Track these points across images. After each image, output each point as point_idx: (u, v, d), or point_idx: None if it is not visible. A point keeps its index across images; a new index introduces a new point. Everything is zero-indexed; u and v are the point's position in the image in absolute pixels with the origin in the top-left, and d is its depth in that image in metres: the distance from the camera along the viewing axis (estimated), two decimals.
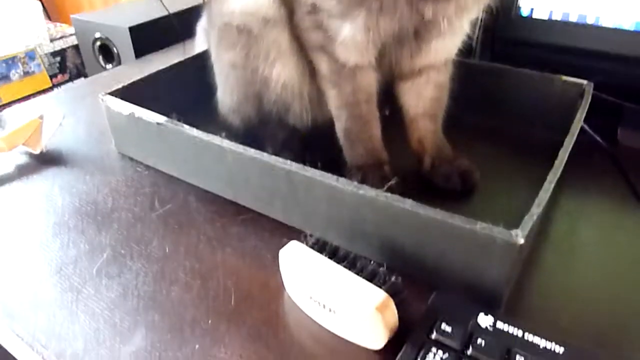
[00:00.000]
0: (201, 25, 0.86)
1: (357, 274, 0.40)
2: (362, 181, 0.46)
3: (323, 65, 0.56)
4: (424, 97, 0.60)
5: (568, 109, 0.63)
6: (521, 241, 0.38)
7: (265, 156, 0.50)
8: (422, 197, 0.43)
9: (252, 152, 0.51)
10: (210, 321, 0.43)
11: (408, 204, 0.42)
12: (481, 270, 0.41)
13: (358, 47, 0.52)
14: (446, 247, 0.42)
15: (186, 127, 0.56)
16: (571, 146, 0.51)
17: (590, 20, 0.70)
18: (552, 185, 0.44)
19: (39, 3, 1.80)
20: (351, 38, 0.51)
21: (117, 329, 0.43)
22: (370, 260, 0.42)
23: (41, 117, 0.69)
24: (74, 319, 0.44)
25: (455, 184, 0.57)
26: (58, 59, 1.70)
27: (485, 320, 0.38)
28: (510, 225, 0.40)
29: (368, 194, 0.44)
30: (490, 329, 0.37)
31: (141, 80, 0.68)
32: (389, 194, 0.43)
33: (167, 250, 0.51)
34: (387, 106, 0.67)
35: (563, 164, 0.48)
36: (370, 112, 0.57)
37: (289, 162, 0.49)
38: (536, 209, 0.41)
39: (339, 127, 0.58)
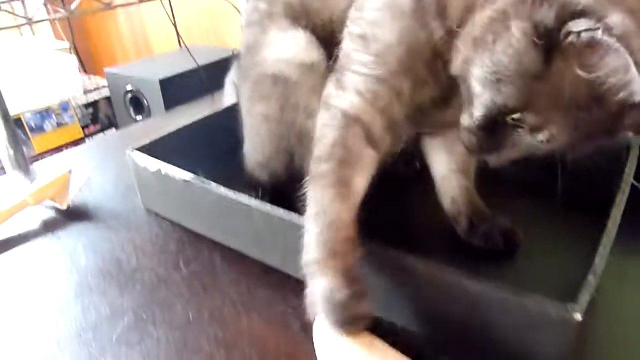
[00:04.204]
0: (230, 79, 0.86)
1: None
2: None
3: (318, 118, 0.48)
4: (456, 152, 0.57)
5: (613, 162, 0.59)
6: (579, 318, 0.34)
7: (294, 217, 0.48)
8: (460, 260, 0.40)
9: (280, 212, 0.49)
10: None
11: (450, 272, 0.39)
12: (533, 348, 0.37)
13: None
14: (493, 320, 0.38)
15: (213, 184, 0.54)
16: (624, 204, 0.47)
17: None
18: (608, 250, 0.41)
19: (75, 57, 1.87)
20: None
21: None
22: (414, 336, 0.38)
23: (70, 172, 0.69)
24: None
25: (497, 243, 0.53)
26: (91, 110, 1.74)
27: None
28: (560, 293, 0.36)
29: (405, 262, 0.41)
30: None
31: (168, 135, 0.67)
32: (429, 262, 0.40)
33: (190, 317, 0.49)
34: (418, 160, 0.64)
35: (617, 226, 0.44)
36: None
37: None
38: (593, 280, 0.37)
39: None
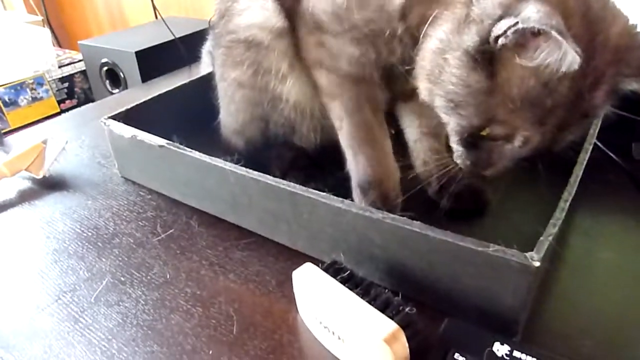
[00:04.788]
0: (206, 49, 0.86)
1: (370, 302, 0.38)
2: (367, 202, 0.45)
3: (323, 79, 0.54)
4: (426, 115, 0.58)
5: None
6: (537, 264, 0.36)
7: (268, 178, 0.49)
8: (432, 220, 0.41)
9: (254, 173, 0.50)
10: (211, 351, 0.41)
11: (416, 226, 0.41)
12: (495, 295, 0.39)
13: (362, 64, 0.51)
14: (457, 271, 0.40)
15: (187, 149, 0.55)
16: (585, 162, 0.49)
17: None
18: (568, 204, 0.43)
19: (48, 30, 1.83)
20: (356, 58, 0.50)
21: None
22: (386, 289, 0.40)
23: (44, 142, 0.69)
24: (70, 350, 0.42)
25: (466, 203, 0.55)
26: (66, 84, 1.71)
27: (500, 349, 0.36)
28: (524, 247, 0.38)
29: (374, 216, 0.42)
30: (507, 358, 0.35)
31: (143, 103, 0.67)
32: (396, 216, 0.42)
33: (168, 277, 0.50)
34: (392, 125, 0.65)
35: (578, 181, 0.46)
36: (376, 120, 0.54)
37: (292, 183, 0.47)
38: (552, 230, 0.39)
39: (343, 135, 0.55)
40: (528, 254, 0.37)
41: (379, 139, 0.54)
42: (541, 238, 0.38)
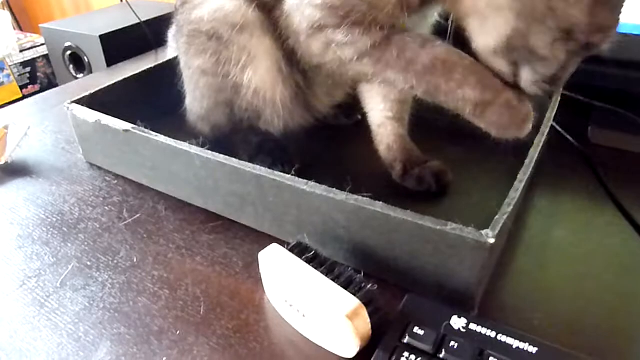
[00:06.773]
0: (172, 33, 0.85)
1: (333, 280, 0.40)
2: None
3: (360, 68, 0.49)
4: (390, 99, 0.59)
5: (538, 108, 0.63)
6: (492, 241, 0.38)
7: (234, 161, 0.49)
8: (395, 201, 0.43)
9: (220, 157, 0.50)
10: (178, 332, 0.42)
11: (378, 206, 0.42)
12: (453, 272, 0.41)
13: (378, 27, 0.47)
14: (417, 249, 0.42)
15: (153, 133, 0.54)
16: (541, 145, 0.51)
17: None
18: (523, 185, 0.44)
19: (8, 13, 1.77)
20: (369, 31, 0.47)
21: (81, 342, 0.41)
22: (349, 267, 0.41)
23: (6, 128, 0.68)
24: (36, 334, 0.42)
25: (429, 185, 0.56)
26: (28, 69, 1.66)
27: (457, 322, 0.38)
28: (482, 226, 0.39)
29: (338, 197, 0.43)
30: (463, 330, 0.37)
31: (107, 88, 0.66)
32: (358, 197, 0.43)
33: (135, 260, 0.50)
34: (359, 111, 0.67)
35: (533, 163, 0.48)
36: (428, 44, 0.46)
37: (257, 166, 0.48)
38: (507, 209, 0.41)
39: (423, 90, 0.47)
40: (484, 232, 0.38)
41: (452, 58, 0.46)
42: (496, 217, 0.40)
